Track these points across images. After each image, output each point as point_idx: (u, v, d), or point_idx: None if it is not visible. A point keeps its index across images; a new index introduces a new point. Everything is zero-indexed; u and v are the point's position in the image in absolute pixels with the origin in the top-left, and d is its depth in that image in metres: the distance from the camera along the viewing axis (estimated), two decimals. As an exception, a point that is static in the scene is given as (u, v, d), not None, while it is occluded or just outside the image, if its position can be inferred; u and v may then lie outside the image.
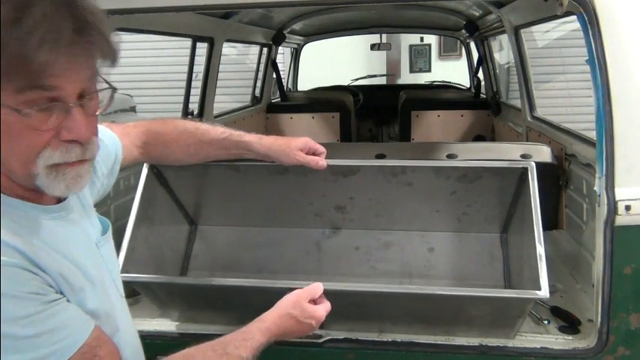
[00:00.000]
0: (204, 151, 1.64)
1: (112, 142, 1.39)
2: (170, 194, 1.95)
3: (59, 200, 1.05)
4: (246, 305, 1.69)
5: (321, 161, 1.65)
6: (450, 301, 1.57)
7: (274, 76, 4.85)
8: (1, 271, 0.85)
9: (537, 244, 1.56)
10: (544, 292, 1.46)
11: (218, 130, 1.63)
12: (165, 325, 1.85)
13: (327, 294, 1.38)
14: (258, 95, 4.65)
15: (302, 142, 1.65)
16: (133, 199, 1.81)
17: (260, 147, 1.64)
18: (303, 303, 1.31)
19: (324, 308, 1.33)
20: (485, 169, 1.79)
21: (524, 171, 1.73)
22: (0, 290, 0.85)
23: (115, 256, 1.23)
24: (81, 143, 0.95)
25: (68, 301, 0.96)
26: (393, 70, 8.38)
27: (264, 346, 1.22)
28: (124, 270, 1.64)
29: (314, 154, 1.67)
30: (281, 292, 1.37)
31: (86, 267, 1.03)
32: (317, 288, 1.35)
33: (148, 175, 1.82)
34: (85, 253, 1.06)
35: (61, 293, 0.96)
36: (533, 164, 1.72)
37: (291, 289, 1.36)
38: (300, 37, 5.37)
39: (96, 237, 1.14)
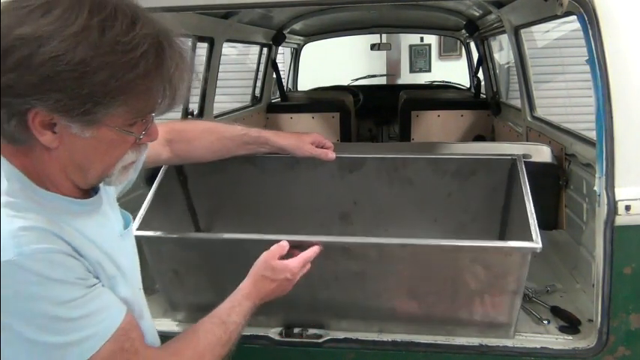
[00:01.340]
0: (226, 148, 1.79)
1: None
2: (185, 194, 2.04)
3: (91, 195, 1.12)
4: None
5: (330, 153, 1.84)
6: (444, 256, 1.59)
7: (274, 76, 4.85)
8: (49, 258, 0.93)
9: (526, 201, 1.62)
10: (537, 243, 1.50)
11: (237, 128, 1.82)
12: (167, 325, 1.85)
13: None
14: (258, 95, 4.65)
15: (312, 137, 1.85)
16: (137, 196, 1.83)
17: (276, 140, 1.81)
18: (271, 262, 1.39)
19: (296, 261, 1.42)
20: (476, 160, 1.93)
21: (513, 162, 1.85)
22: (51, 276, 0.93)
23: (135, 250, 1.29)
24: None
25: (103, 286, 1.04)
26: (393, 70, 8.37)
27: (252, 309, 1.33)
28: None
29: (322, 148, 1.85)
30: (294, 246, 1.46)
31: (117, 256, 1.11)
32: (282, 246, 1.43)
33: (167, 170, 1.91)
34: (114, 243, 1.13)
35: (97, 279, 1.03)
36: (521, 155, 1.84)
37: (306, 242, 1.48)
38: (300, 37, 5.37)
39: (119, 229, 1.21)
